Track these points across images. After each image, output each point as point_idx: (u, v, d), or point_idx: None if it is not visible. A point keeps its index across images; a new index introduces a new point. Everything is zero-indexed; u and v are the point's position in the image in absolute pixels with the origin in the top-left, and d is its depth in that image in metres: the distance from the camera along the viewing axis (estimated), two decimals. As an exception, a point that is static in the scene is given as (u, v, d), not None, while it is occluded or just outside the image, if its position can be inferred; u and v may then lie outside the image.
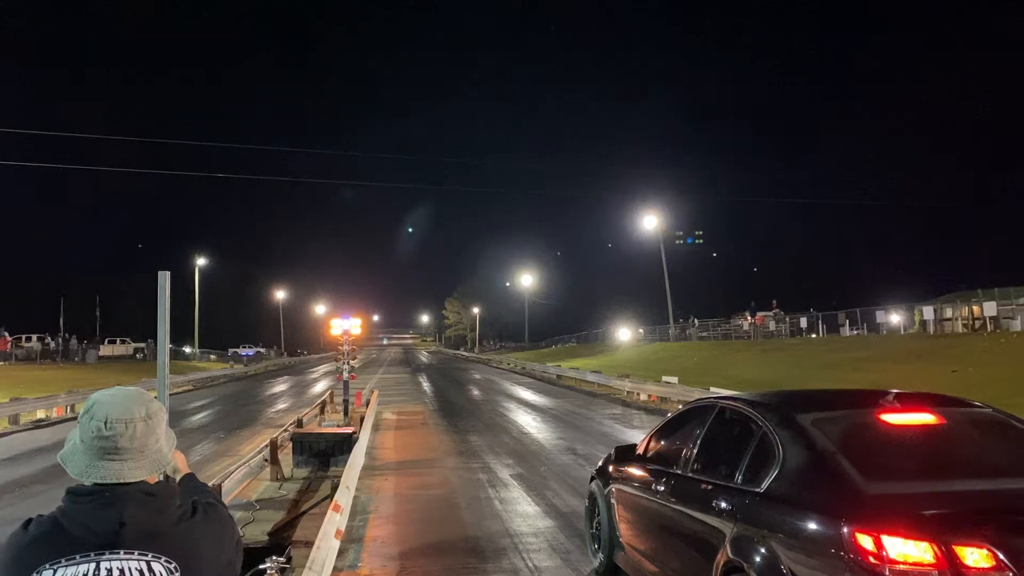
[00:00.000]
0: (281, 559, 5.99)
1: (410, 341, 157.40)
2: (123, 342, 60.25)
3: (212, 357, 70.59)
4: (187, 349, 70.81)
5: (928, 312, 32.05)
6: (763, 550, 3.88)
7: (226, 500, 8.03)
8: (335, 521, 6.27)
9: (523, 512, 9.20)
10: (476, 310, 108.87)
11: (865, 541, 3.34)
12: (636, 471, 5.88)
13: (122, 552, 1.68)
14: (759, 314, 51.89)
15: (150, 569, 1.67)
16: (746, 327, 49.03)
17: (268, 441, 11.55)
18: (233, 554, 1.86)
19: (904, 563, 3.24)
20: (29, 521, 1.72)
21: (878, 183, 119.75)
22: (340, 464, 11.41)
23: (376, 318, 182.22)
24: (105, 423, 1.74)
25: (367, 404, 19.59)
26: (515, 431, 17.27)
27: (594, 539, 6.72)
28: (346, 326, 17.29)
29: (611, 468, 6.46)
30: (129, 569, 1.66)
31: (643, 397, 23.14)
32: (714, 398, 5.86)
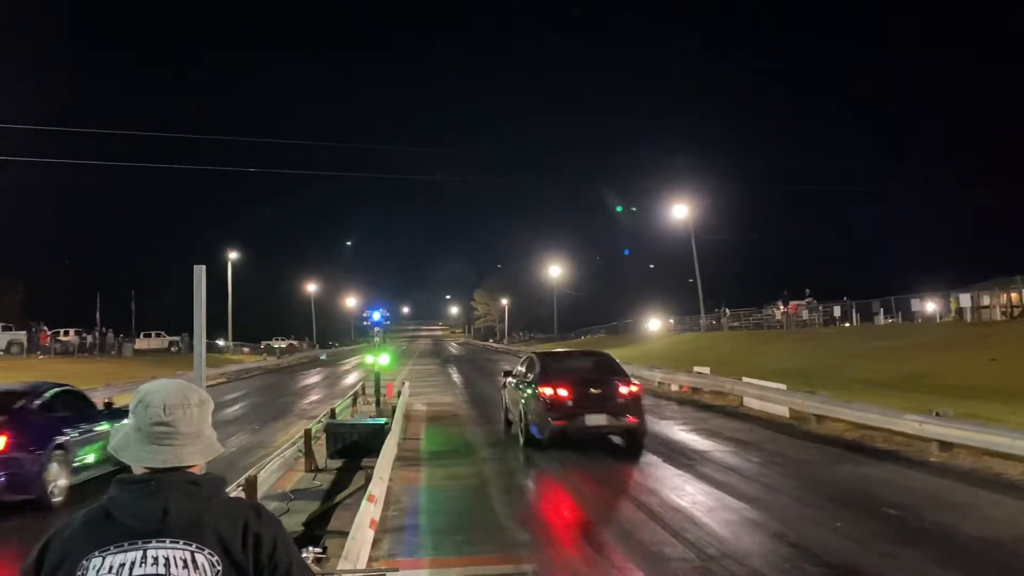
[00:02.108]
0: (317, 549, 6.07)
1: (439, 332, 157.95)
2: (158, 336, 61.26)
3: (245, 350, 71.53)
4: (220, 342, 71.75)
5: (965, 299, 31.48)
6: (526, 401, 13.10)
7: (261, 491, 8.15)
8: (370, 511, 6.33)
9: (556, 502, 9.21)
10: (505, 301, 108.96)
11: (543, 391, 12.53)
12: (511, 380, 15.06)
13: (168, 541, 1.70)
14: (792, 303, 51.32)
15: (194, 561, 1.69)
16: (778, 316, 48.54)
17: (302, 432, 11.67)
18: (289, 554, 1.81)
19: (550, 395, 12.43)
20: (79, 511, 1.75)
21: (912, 168, 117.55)
22: (373, 455, 11.51)
23: (406, 310, 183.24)
24: (164, 409, 1.79)
25: (398, 395, 19.71)
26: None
27: (502, 413, 15.93)
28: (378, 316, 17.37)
29: (506, 379, 15.64)
30: (175, 559, 1.68)
31: (674, 388, 23.01)
32: (530, 351, 18.49)
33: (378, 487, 7.30)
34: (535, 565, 6.74)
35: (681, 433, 14.95)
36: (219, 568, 1.70)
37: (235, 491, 7.37)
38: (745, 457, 12.30)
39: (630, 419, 12.30)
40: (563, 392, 12.32)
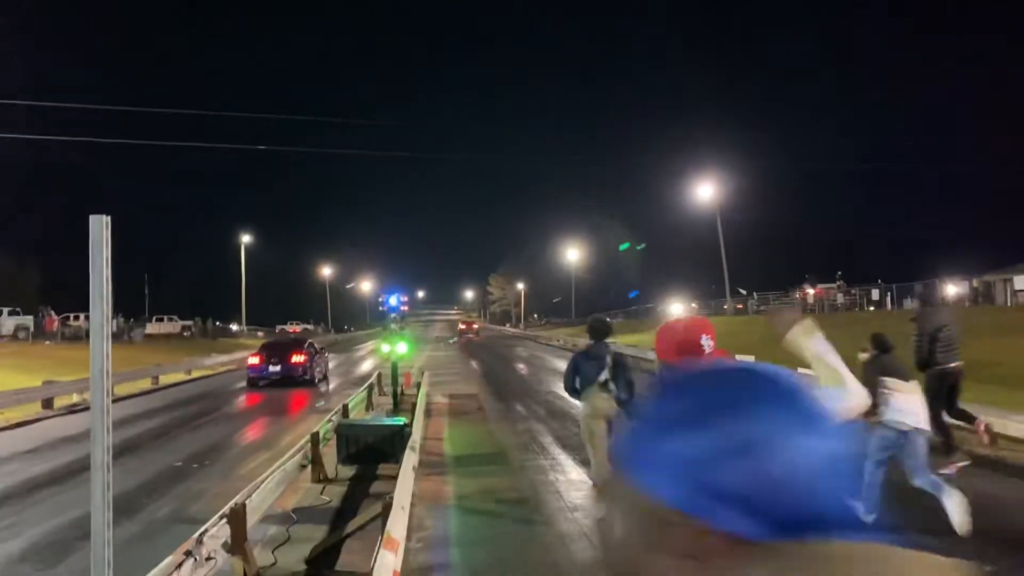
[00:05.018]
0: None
1: (455, 317, 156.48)
2: (170, 320, 60.11)
3: (259, 334, 70.27)
4: (234, 326, 70.70)
5: (1020, 282, 29.57)
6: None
7: (256, 517, 6.55)
8: (388, 566, 4.71)
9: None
10: (521, 286, 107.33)
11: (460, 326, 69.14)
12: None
13: None
14: (819, 286, 49.45)
15: None
16: (811, 300, 46.65)
17: (308, 436, 10.07)
18: None
19: (461, 327, 68.75)
20: None
21: (936, 149, 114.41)
22: (390, 460, 9.95)
23: (421, 294, 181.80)
24: None
25: (417, 387, 18.14)
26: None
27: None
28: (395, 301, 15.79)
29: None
30: None
31: (713, 377, 21.24)
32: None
33: (399, 524, 5.69)
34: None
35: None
36: None
37: (219, 524, 5.81)
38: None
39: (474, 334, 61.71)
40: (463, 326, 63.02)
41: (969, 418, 10.14)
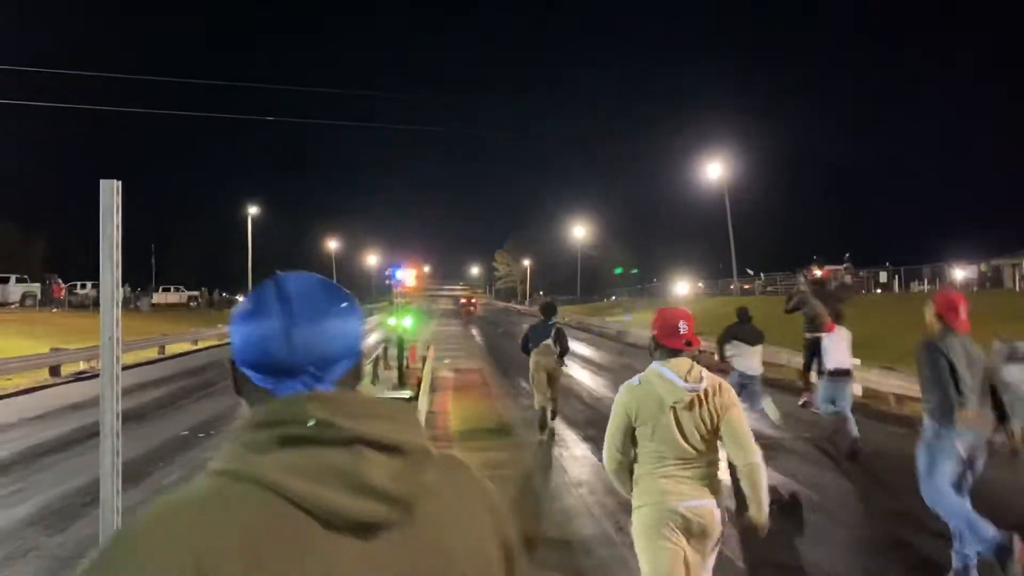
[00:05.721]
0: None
1: (460, 292, 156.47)
2: (177, 290, 60.29)
3: (265, 306, 70.37)
4: (240, 297, 70.84)
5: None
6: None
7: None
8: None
9: (612, 507, 7.60)
10: (527, 262, 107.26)
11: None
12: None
13: None
14: (827, 268, 49.23)
15: None
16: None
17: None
18: None
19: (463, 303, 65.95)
20: None
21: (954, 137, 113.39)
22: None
23: (427, 269, 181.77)
24: None
25: (423, 360, 18.20)
26: (586, 396, 15.69)
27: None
28: (401, 276, 15.79)
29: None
30: None
31: (717, 357, 21.22)
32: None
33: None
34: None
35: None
36: None
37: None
38: (822, 445, 10.64)
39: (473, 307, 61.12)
40: (463, 300, 63.09)
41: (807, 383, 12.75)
